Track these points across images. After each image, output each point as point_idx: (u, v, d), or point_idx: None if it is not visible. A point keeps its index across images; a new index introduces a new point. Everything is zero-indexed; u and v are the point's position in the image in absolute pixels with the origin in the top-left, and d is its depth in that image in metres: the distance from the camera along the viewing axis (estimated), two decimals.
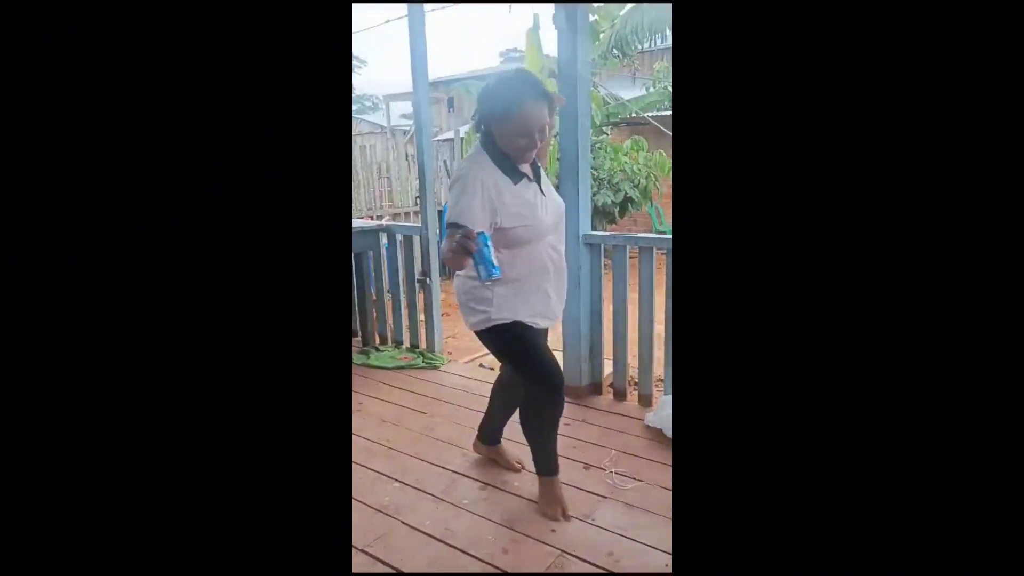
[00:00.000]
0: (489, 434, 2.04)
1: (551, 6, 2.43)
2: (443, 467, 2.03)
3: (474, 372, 3.04)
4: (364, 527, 1.70)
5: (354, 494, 1.86)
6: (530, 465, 1.84)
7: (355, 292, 3.36)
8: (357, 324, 3.45)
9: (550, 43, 6.34)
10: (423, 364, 3.07)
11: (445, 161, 7.45)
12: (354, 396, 2.65)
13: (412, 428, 2.37)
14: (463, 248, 1.29)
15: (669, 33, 6.67)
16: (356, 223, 3.38)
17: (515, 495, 1.85)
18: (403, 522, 1.73)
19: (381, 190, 7.16)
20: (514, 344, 1.59)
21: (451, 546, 1.62)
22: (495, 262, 1.30)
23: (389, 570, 1.54)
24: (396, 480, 1.96)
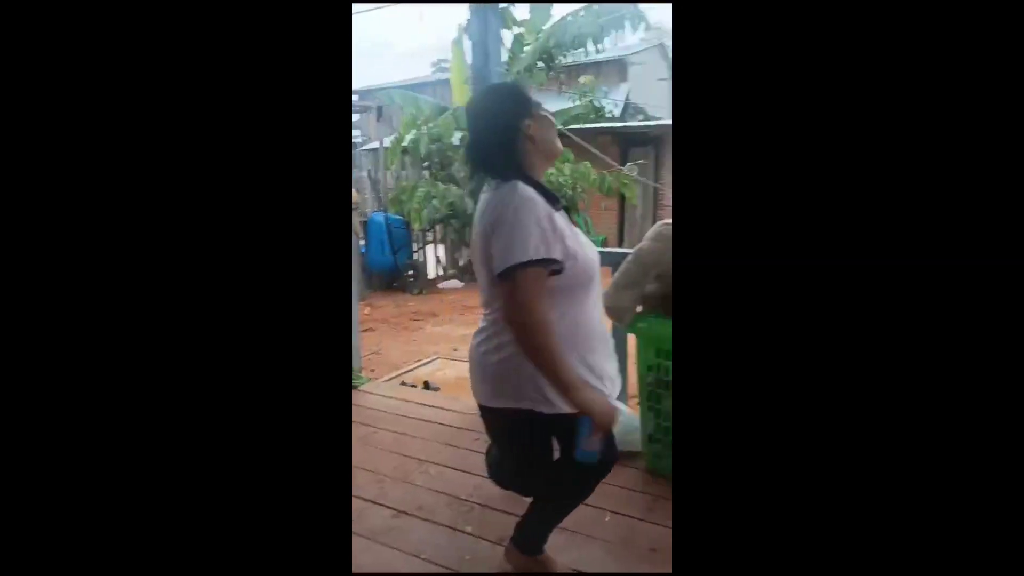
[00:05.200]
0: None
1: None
2: (355, 494, 1.89)
3: (396, 391, 2.90)
4: None
5: None
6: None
7: None
8: None
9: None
10: None
11: (369, 171, 7.24)
12: None
13: None
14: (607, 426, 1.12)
15: (592, 47, 6.69)
16: None
17: (427, 521, 1.75)
18: None
19: None
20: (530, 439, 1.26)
21: None
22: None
23: None
24: None
